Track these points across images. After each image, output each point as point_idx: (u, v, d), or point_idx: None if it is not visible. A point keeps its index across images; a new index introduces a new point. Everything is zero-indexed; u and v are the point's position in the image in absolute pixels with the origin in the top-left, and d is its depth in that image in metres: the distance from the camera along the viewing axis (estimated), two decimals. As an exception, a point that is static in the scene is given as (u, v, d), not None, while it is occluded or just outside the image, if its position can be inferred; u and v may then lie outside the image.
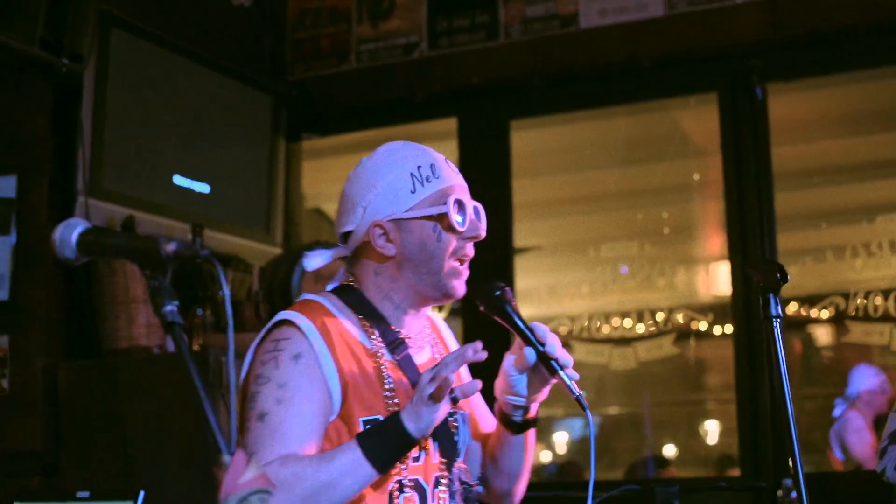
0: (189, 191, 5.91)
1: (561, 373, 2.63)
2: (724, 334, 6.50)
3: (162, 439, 4.95)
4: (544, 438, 8.27)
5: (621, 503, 5.19)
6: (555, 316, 6.80)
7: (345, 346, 2.65)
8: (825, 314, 6.53)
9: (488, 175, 6.32)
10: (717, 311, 6.62)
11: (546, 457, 8.40)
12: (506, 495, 2.95)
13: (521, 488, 2.94)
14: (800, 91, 6.21)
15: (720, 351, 6.47)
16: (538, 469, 7.98)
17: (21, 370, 5.24)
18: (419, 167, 2.73)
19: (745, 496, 5.50)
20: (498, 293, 2.72)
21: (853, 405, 6.76)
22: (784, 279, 2.91)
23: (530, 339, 2.67)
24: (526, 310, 6.75)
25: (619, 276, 6.76)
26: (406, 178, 2.72)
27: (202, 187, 6.00)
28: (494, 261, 6.23)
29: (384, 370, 2.68)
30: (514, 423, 2.79)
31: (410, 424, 2.50)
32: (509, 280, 6.22)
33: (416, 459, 2.66)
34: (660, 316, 6.57)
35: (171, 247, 2.06)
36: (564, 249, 7.55)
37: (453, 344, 2.99)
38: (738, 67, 5.90)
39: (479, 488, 2.85)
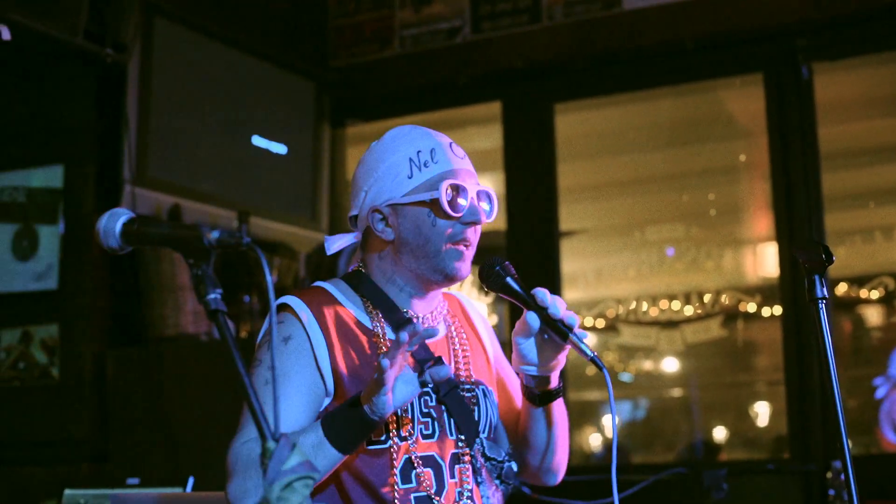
0: (235, 177, 5.93)
1: (571, 335, 2.61)
2: (772, 316, 6.46)
3: (209, 426, 4.97)
4: (593, 422, 8.26)
5: (670, 486, 5.18)
6: (601, 299, 6.80)
7: (342, 330, 2.67)
8: (875, 294, 6.49)
9: (533, 158, 6.32)
10: (765, 293, 6.58)
11: (595, 440, 8.39)
12: (543, 471, 2.92)
13: (557, 463, 2.91)
14: (846, 70, 6.17)
15: (768, 333, 6.44)
16: (588, 454, 7.98)
17: (70, 358, 5.29)
18: (419, 152, 2.73)
19: (794, 479, 5.48)
20: (497, 268, 2.72)
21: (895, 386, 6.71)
22: (829, 260, 2.88)
23: (533, 305, 2.66)
24: (572, 293, 6.79)
25: (665, 258, 6.73)
26: (405, 162, 2.72)
27: (279, 147, 6.11)
28: (540, 244, 6.23)
29: (382, 348, 2.69)
30: (534, 395, 2.77)
31: (366, 407, 2.48)
32: (555, 263, 6.21)
33: (430, 436, 2.68)
34: (707, 298, 6.54)
35: (213, 235, 2.05)
36: (610, 232, 7.53)
37: (481, 323, 3.00)
38: (784, 47, 5.86)
39: (510, 464, 2.83)
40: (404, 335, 2.42)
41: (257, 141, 6.09)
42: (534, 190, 6.31)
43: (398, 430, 2.65)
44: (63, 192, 5.38)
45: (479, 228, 2.77)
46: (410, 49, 6.49)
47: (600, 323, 6.93)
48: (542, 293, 2.65)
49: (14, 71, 5.55)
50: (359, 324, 2.71)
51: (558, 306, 2.63)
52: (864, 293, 6.62)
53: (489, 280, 2.73)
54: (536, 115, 6.35)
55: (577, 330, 2.62)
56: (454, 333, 2.87)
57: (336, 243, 2.84)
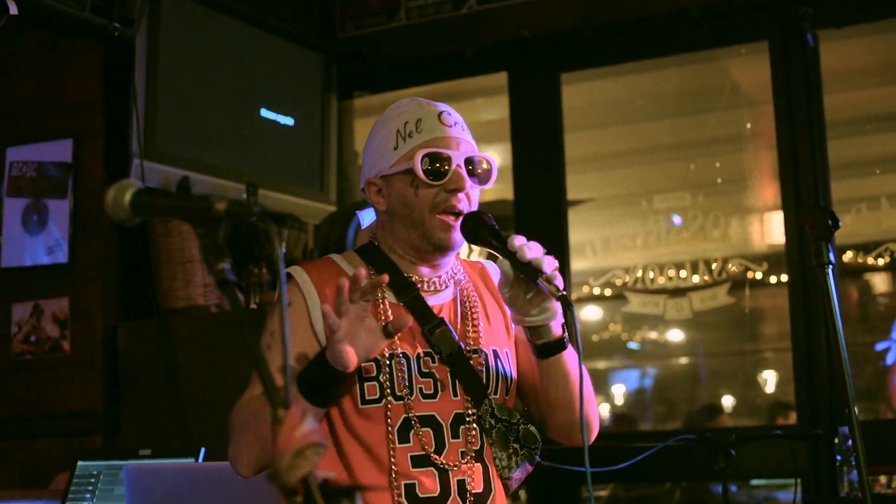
0: (244, 150, 5.94)
1: (539, 275, 2.63)
2: (779, 283, 6.47)
3: (221, 396, 5.00)
4: (602, 390, 8.29)
5: (677, 453, 5.21)
6: (609, 268, 6.81)
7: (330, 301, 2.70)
8: (881, 262, 6.50)
9: (540, 129, 6.33)
10: (772, 260, 6.59)
11: (603, 409, 8.42)
12: (570, 428, 2.90)
13: (579, 416, 2.80)
14: (851, 38, 6.15)
15: (775, 300, 6.45)
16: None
17: (81, 331, 5.32)
18: (406, 123, 2.82)
19: (801, 445, 5.50)
20: (473, 220, 2.77)
21: None
22: (835, 225, 2.89)
23: (506, 252, 2.69)
24: (580, 263, 6.81)
25: (672, 227, 6.74)
26: (392, 134, 2.83)
27: (287, 120, 6.09)
28: (548, 214, 6.24)
29: (381, 312, 2.76)
30: (536, 348, 2.79)
31: (329, 358, 2.56)
32: (562, 233, 6.22)
33: (431, 396, 2.74)
34: (714, 266, 6.55)
35: (223, 205, 2.06)
36: (617, 202, 7.53)
37: None
38: (789, 15, 5.85)
39: (527, 426, 2.83)
40: (343, 280, 2.51)
41: (265, 113, 6.09)
42: (541, 160, 6.32)
43: (392, 389, 2.70)
44: (73, 166, 5.40)
45: (472, 195, 2.81)
46: (417, 20, 6.49)
47: (608, 292, 6.95)
48: (514, 238, 2.69)
49: (22, 46, 5.57)
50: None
51: (526, 250, 2.65)
52: (870, 260, 6.63)
53: (466, 232, 2.78)
54: (543, 85, 6.35)
55: (549, 271, 2.63)
56: (465, 298, 2.90)
57: (369, 216, 2.94)
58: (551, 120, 6.32)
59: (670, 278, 6.60)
